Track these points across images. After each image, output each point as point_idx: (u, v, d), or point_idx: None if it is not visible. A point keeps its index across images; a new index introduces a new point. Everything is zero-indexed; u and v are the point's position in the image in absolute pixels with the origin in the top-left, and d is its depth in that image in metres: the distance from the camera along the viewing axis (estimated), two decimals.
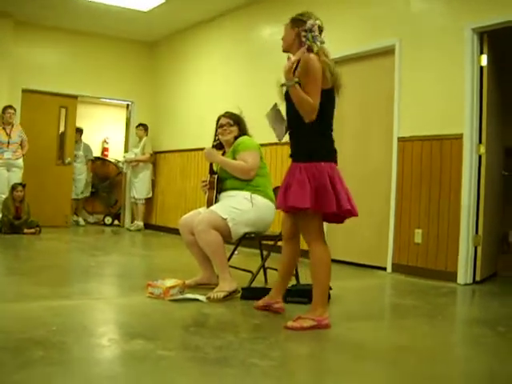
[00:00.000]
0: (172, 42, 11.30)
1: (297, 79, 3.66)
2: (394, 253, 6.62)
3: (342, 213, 3.79)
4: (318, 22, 3.76)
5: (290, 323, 3.76)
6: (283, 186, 3.93)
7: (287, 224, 4.10)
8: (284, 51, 3.96)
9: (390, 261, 6.64)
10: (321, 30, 3.79)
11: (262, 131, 7.47)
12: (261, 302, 4.29)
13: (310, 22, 3.71)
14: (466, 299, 5.53)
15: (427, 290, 5.61)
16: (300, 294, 4.52)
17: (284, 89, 3.84)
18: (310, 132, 3.80)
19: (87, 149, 11.88)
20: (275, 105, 4.09)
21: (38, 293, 4.53)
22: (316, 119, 3.70)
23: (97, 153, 14.31)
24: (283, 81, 3.74)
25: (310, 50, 3.71)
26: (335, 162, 3.86)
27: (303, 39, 3.73)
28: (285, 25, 3.98)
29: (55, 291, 4.65)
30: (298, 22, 3.84)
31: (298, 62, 3.71)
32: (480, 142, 6.04)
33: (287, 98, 3.88)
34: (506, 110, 7.00)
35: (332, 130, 3.90)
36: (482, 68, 6.05)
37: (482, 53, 6.04)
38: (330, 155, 3.85)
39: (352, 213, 3.82)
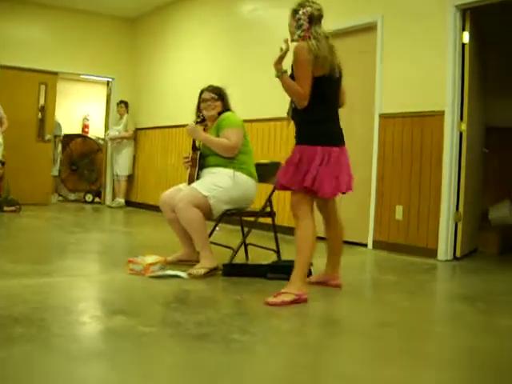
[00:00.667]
0: (153, 18, 11.19)
1: (284, 69, 3.82)
2: (375, 229, 6.65)
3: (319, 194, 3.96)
4: (309, 9, 3.92)
5: (270, 299, 3.78)
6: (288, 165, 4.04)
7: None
8: (291, 41, 3.99)
9: (371, 237, 6.67)
10: (310, 16, 3.92)
11: (244, 106, 7.44)
12: (314, 278, 4.38)
13: (300, 11, 3.92)
14: (447, 275, 5.57)
15: (408, 266, 5.65)
16: (281, 271, 4.52)
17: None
18: (307, 118, 3.95)
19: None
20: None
21: (17, 270, 4.50)
22: (312, 106, 3.85)
23: (77, 130, 14.21)
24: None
25: (298, 37, 3.90)
26: (335, 145, 3.96)
27: (297, 31, 3.93)
28: (288, 16, 4.09)
29: (35, 268, 4.62)
30: (295, 12, 3.99)
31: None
32: (461, 119, 6.05)
33: None
34: (489, 87, 7.01)
35: (334, 114, 4.08)
36: (464, 45, 6.04)
37: (464, 30, 6.02)
38: (328, 139, 3.95)
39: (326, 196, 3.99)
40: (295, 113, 4.03)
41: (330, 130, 4.03)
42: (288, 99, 4.06)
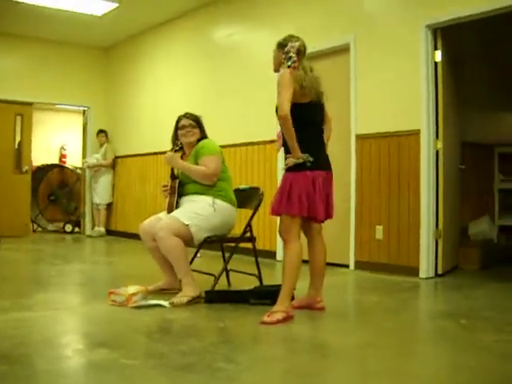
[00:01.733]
0: (127, 46, 11.20)
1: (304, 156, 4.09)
2: (356, 250, 6.66)
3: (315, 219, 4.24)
4: (297, 44, 4.22)
5: (265, 319, 3.92)
6: (278, 189, 4.27)
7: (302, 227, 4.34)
8: (274, 71, 4.39)
9: (353, 258, 6.68)
10: (299, 50, 4.20)
11: (221, 132, 7.47)
12: (296, 303, 4.40)
13: (289, 45, 4.20)
14: (429, 293, 5.59)
15: (390, 285, 5.66)
16: (264, 296, 4.52)
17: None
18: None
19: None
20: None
21: None
22: (300, 131, 4.05)
23: (55, 160, 14.15)
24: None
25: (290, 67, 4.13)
26: (321, 169, 4.21)
27: (283, 60, 4.19)
28: (274, 49, 4.39)
29: (15, 303, 4.56)
30: (281, 46, 4.29)
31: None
32: (437, 137, 6.10)
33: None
34: (462, 104, 7.08)
35: (320, 139, 4.34)
36: (436, 64, 6.11)
37: (436, 49, 6.10)
38: (320, 164, 4.19)
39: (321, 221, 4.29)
40: (284, 141, 4.21)
41: (320, 155, 4.23)
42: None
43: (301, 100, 4.12)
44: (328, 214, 4.30)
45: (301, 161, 4.04)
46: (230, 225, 4.98)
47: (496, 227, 7.82)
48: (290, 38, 4.30)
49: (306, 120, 4.16)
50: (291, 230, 4.13)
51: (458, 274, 6.38)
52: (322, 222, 4.31)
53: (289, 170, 4.15)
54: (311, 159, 4.06)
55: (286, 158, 4.22)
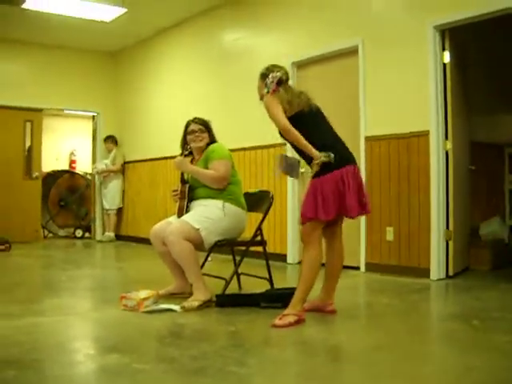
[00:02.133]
0: (135, 51, 11.24)
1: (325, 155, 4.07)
2: (367, 252, 6.65)
3: (349, 216, 4.25)
4: (278, 74, 4.36)
5: (277, 322, 3.93)
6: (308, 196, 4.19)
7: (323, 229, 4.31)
8: (260, 100, 4.47)
9: (364, 260, 6.67)
10: (280, 80, 4.35)
11: (229, 136, 7.48)
12: (307, 305, 4.35)
13: (270, 76, 4.35)
14: (440, 294, 5.57)
15: (401, 287, 5.64)
16: (275, 299, 4.52)
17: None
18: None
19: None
20: (281, 155, 4.42)
21: (9, 311, 4.46)
22: (310, 136, 4.10)
23: (65, 166, 14.18)
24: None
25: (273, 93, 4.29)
26: (348, 163, 4.17)
27: (265, 88, 4.36)
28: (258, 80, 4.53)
29: (27, 308, 4.58)
30: (263, 76, 4.43)
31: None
32: (446, 137, 6.09)
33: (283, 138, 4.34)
34: (471, 104, 7.06)
35: (335, 137, 4.33)
36: (444, 65, 6.11)
37: (444, 50, 6.09)
38: (344, 160, 4.15)
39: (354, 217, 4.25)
40: (300, 153, 4.25)
41: (341, 150, 4.20)
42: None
43: (292, 112, 4.20)
44: (364, 209, 4.27)
45: (325, 159, 4.01)
46: (241, 228, 4.98)
47: (507, 227, 7.78)
48: (273, 67, 4.43)
49: (309, 123, 4.19)
50: (314, 234, 4.12)
51: (469, 275, 6.36)
52: (355, 217, 4.25)
53: (315, 175, 4.11)
54: (332, 155, 4.02)
55: (310, 166, 4.20)
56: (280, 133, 4.24)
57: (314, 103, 4.37)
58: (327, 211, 4.03)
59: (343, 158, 4.14)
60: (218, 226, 4.72)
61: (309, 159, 4.15)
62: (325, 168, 4.04)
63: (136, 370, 2.96)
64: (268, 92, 4.28)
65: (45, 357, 3.24)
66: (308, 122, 4.19)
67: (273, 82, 4.30)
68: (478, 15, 5.65)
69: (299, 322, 3.99)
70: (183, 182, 5.03)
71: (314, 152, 4.03)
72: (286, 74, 4.44)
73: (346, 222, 4.44)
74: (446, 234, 6.06)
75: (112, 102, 11.75)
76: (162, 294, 4.86)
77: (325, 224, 4.15)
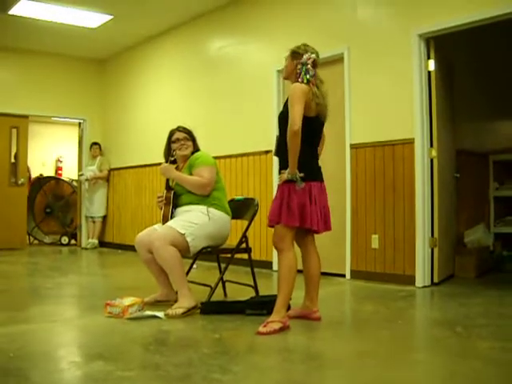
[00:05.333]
0: (121, 58, 11.24)
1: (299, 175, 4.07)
2: (352, 259, 6.67)
3: (313, 230, 4.26)
4: (313, 55, 4.21)
5: (261, 329, 3.93)
6: (274, 200, 4.24)
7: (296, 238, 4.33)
8: (284, 79, 4.47)
9: (349, 267, 6.69)
10: (314, 63, 4.20)
11: (215, 143, 7.49)
12: (292, 313, 4.39)
13: (305, 56, 4.17)
14: (425, 301, 5.59)
15: (386, 294, 5.66)
16: (260, 307, 4.53)
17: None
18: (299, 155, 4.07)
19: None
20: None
21: None
22: (302, 144, 4.02)
23: (51, 172, 14.16)
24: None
25: (302, 81, 4.12)
26: (316, 180, 4.22)
27: (298, 71, 4.17)
28: (286, 56, 4.35)
29: (11, 316, 4.56)
30: (296, 55, 4.24)
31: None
32: (431, 145, 6.13)
33: (280, 122, 4.29)
34: (456, 112, 7.11)
35: (316, 152, 4.33)
36: (429, 73, 6.15)
37: (429, 58, 6.13)
38: (313, 175, 4.18)
39: (318, 232, 4.27)
40: (280, 150, 4.21)
41: (315, 167, 4.27)
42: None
43: (310, 114, 4.13)
44: (327, 226, 4.30)
45: (294, 178, 4.02)
46: (225, 234, 5.00)
47: (491, 235, 7.83)
48: (306, 47, 4.26)
49: (309, 134, 4.14)
50: (286, 239, 4.12)
51: (454, 283, 6.39)
52: (319, 232, 4.28)
53: (285, 181, 4.12)
54: (302, 175, 4.02)
55: (279, 173, 4.23)
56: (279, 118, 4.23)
57: (326, 111, 4.29)
58: (291, 218, 4.05)
59: (314, 172, 4.21)
60: (203, 230, 4.73)
61: (284, 165, 4.16)
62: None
63: (120, 378, 2.95)
64: (304, 81, 4.11)
65: (29, 365, 3.22)
66: (311, 129, 4.16)
67: (311, 68, 4.14)
68: (462, 24, 5.70)
69: (284, 328, 4.00)
70: (168, 188, 5.04)
71: (294, 167, 4.03)
72: (318, 56, 4.29)
73: (332, 230, 4.45)
74: (430, 242, 6.09)
75: (99, 108, 11.73)
76: (148, 302, 4.85)
77: (295, 230, 4.15)
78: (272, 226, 4.24)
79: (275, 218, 4.15)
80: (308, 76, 4.12)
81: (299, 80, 4.13)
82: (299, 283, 4.28)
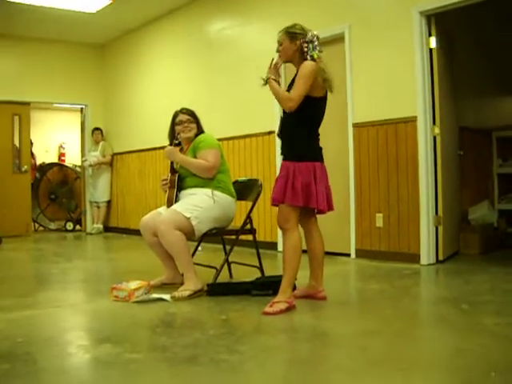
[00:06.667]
0: (122, 43, 11.20)
1: (270, 75, 4.19)
2: (357, 238, 6.68)
3: (318, 210, 4.27)
4: (315, 32, 4.18)
5: (267, 309, 3.95)
6: (278, 179, 4.23)
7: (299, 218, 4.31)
8: (285, 62, 4.35)
9: (354, 246, 6.70)
10: (318, 38, 4.17)
11: (218, 125, 7.47)
12: (298, 293, 4.41)
13: (310, 34, 4.14)
14: (430, 279, 5.60)
15: (391, 272, 5.67)
16: (265, 287, 4.55)
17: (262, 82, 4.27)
18: (300, 135, 4.17)
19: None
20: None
21: (1, 304, 4.45)
22: (306, 124, 4.14)
23: (54, 158, 14.16)
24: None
25: (312, 57, 4.11)
26: (319, 160, 4.22)
27: (305, 49, 4.13)
28: (279, 37, 4.26)
29: (18, 302, 4.58)
30: (297, 35, 4.16)
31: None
32: (434, 123, 6.11)
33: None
34: (459, 89, 7.08)
35: (317, 133, 4.27)
36: (431, 50, 6.12)
37: (430, 35, 6.09)
38: (316, 155, 4.21)
39: (323, 211, 4.26)
40: (285, 130, 4.24)
41: (317, 148, 4.27)
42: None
43: (318, 94, 4.12)
44: (330, 206, 4.30)
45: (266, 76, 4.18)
46: (230, 216, 4.99)
47: (496, 212, 7.82)
48: (301, 26, 4.23)
49: (315, 116, 4.19)
50: (290, 219, 4.12)
51: (458, 260, 6.40)
52: (324, 212, 4.28)
53: (289, 159, 4.14)
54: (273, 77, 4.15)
55: (281, 154, 4.28)
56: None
57: (332, 83, 4.23)
58: (295, 198, 4.05)
59: (316, 153, 4.24)
60: (208, 214, 4.72)
61: (286, 146, 4.25)
62: (299, 157, 4.11)
63: (128, 360, 2.97)
64: (313, 58, 4.09)
65: (37, 349, 3.24)
66: (317, 111, 4.20)
67: (317, 43, 4.13)
68: (463, 0, 5.65)
69: (290, 308, 4.02)
70: (173, 171, 5.02)
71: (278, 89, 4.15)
72: (318, 34, 4.23)
73: (335, 209, 4.44)
74: (435, 220, 6.09)
75: (100, 94, 11.71)
76: (154, 285, 4.85)
77: (299, 210, 4.16)
78: (276, 205, 4.23)
79: (279, 197, 4.14)
80: (317, 51, 4.12)
81: (308, 57, 4.11)
82: (304, 263, 4.28)
